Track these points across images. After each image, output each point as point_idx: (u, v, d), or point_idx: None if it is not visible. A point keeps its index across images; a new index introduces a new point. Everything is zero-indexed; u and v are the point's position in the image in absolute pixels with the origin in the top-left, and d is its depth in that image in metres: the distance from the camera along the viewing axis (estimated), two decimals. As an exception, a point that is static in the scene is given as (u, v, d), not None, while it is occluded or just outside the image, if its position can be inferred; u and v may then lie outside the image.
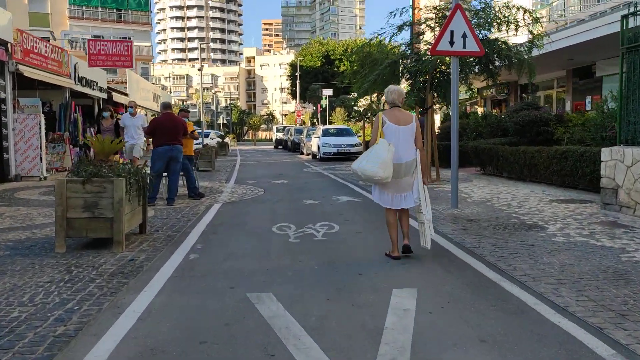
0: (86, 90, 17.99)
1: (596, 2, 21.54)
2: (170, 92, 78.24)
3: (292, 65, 66.36)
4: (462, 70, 12.09)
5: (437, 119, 27.49)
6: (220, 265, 4.79)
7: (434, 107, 13.17)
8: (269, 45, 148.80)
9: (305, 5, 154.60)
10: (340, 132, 23.60)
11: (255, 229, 6.67)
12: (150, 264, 4.81)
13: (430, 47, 11.59)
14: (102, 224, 5.26)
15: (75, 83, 16.74)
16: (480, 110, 24.92)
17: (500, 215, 7.37)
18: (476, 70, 11.86)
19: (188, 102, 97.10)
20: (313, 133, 25.86)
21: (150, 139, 8.94)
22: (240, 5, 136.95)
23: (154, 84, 52.93)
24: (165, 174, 9.02)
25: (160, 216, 7.68)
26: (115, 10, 50.20)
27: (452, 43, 7.70)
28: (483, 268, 4.65)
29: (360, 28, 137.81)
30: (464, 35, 7.69)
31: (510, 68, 11.72)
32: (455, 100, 8.05)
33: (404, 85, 12.55)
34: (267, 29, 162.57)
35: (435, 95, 12.34)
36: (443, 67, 12.14)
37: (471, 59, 11.66)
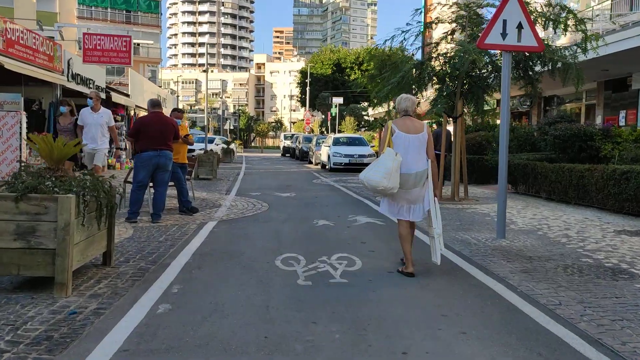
0: (81, 88, 16.65)
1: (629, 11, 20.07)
2: (178, 96, 77.25)
3: (303, 72, 65.22)
4: (496, 75, 10.64)
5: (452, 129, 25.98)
6: (196, 329, 3.30)
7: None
8: (279, 52, 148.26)
9: (317, 14, 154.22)
10: (352, 142, 22.15)
11: (253, 261, 5.19)
12: (97, 323, 3.34)
13: (459, 47, 10.16)
14: (40, 257, 3.80)
15: (69, 80, 15.41)
16: (498, 122, 23.43)
17: (564, 251, 5.85)
18: (515, 74, 10.36)
19: (197, 107, 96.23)
20: (323, 142, 24.44)
21: (134, 144, 7.50)
22: (252, 12, 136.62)
23: (160, 87, 51.89)
24: (151, 185, 7.59)
25: (139, 237, 6.23)
26: (124, 11, 49.33)
27: (504, 35, 6.24)
28: (585, 348, 3.13)
29: (371, 37, 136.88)
30: (520, 26, 6.23)
31: (553, 74, 10.23)
32: (506, 105, 6.56)
33: (430, 91, 11.07)
34: (278, 37, 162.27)
35: (467, 103, 10.86)
36: (476, 70, 10.67)
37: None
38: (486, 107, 11.15)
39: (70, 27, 17.25)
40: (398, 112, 4.96)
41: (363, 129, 59.09)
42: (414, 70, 10.50)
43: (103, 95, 18.92)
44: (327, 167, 21.67)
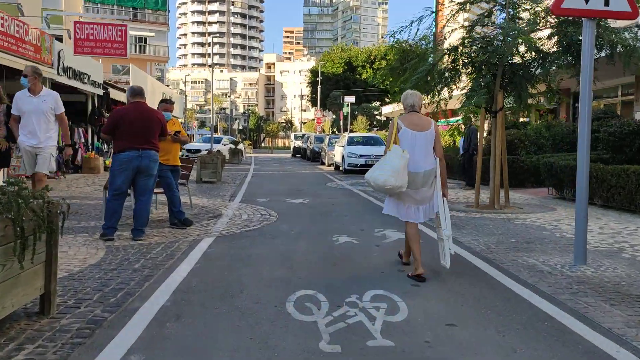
0: (74, 83, 15.33)
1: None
2: (187, 96, 76.23)
3: (313, 71, 63.90)
4: (542, 62, 9.08)
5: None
6: None
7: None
8: (289, 52, 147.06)
9: (328, 13, 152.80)
10: (367, 141, 20.64)
11: (256, 303, 3.72)
12: None
13: (503, 28, 8.62)
14: None
15: (59, 74, 14.09)
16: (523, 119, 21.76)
17: (679, 285, 4.31)
18: (565, 61, 8.79)
19: (206, 107, 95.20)
20: (336, 142, 22.94)
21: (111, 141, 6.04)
22: (262, 11, 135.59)
23: (168, 86, 50.80)
24: (131, 193, 6.16)
25: (109, 264, 4.79)
26: (131, 9, 48.27)
27: (586, -2, 4.73)
28: None
29: (382, 37, 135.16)
30: (608, -14, 4.70)
31: (612, 59, 8.65)
32: (587, 89, 5.03)
33: (465, 79, 9.53)
34: (288, 37, 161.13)
35: (508, 95, 9.32)
36: (517, 57, 9.14)
37: (558, 47, 8.65)
38: (530, 101, 9.57)
39: (59, 14, 15.92)
40: (404, 108, 4.73)
41: (375, 129, 57.58)
42: (447, 56, 8.97)
43: (99, 91, 17.61)
44: (341, 168, 20.20)
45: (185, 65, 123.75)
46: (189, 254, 5.32)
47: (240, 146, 29.49)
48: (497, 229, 7.06)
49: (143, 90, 6.01)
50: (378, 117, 61.65)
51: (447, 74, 9.20)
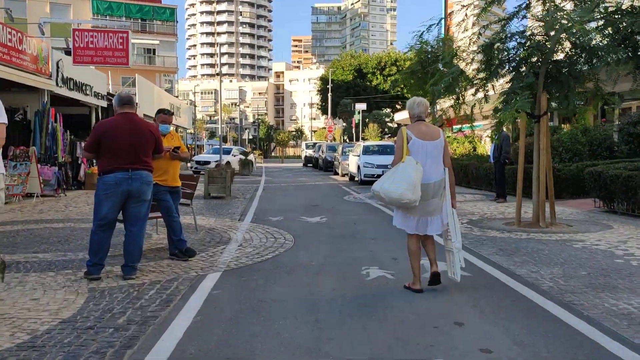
0: (75, 95, 14.50)
1: None
2: (196, 107, 75.85)
3: (323, 79, 63.09)
4: (590, 58, 7.97)
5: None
6: None
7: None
8: (298, 61, 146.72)
9: (336, 21, 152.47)
10: (384, 150, 19.56)
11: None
12: None
13: (549, 19, 7.56)
14: None
15: (58, 85, 13.25)
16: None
17: None
18: (618, 57, 7.67)
19: (216, 117, 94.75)
20: (350, 151, 21.92)
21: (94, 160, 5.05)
22: (270, 20, 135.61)
23: (177, 97, 50.25)
24: (121, 221, 5.16)
25: (84, 320, 3.77)
26: (140, 20, 47.92)
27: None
28: None
29: (391, 44, 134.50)
30: None
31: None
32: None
33: (505, 80, 8.45)
34: (296, 46, 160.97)
35: (552, 97, 8.23)
36: (559, 53, 8.06)
37: (611, 40, 7.54)
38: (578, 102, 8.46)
39: (57, 21, 15.10)
40: (410, 117, 4.59)
41: (387, 136, 56.45)
42: (485, 52, 7.91)
43: (103, 103, 16.78)
44: (356, 179, 19.16)
45: (195, 76, 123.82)
46: (188, 298, 4.30)
47: (251, 157, 28.57)
48: (557, 255, 5.95)
49: (132, 98, 5.02)
50: (389, 125, 60.61)
51: (484, 73, 8.13)
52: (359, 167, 18.27)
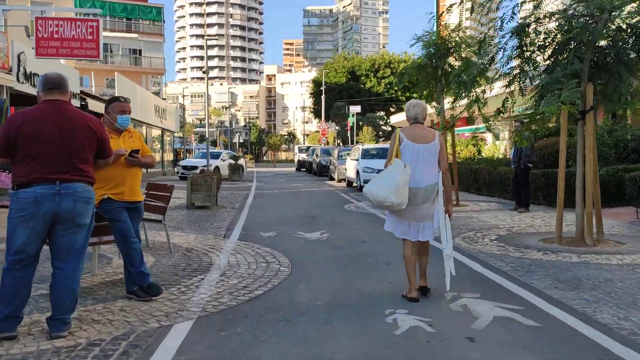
0: (43, 93, 12.96)
1: None
2: (184, 109, 74.22)
3: (315, 82, 61.79)
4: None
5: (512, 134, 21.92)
6: None
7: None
8: (289, 64, 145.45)
9: (327, 24, 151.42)
10: (384, 154, 18.14)
11: None
12: None
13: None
14: None
15: (20, 81, 11.73)
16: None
17: None
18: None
19: (206, 121, 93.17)
20: (347, 154, 20.52)
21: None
22: (261, 23, 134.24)
23: (164, 99, 48.69)
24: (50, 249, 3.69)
25: None
26: (125, 19, 46.37)
27: None
28: None
29: (383, 47, 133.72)
30: None
31: None
32: None
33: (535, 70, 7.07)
34: (288, 49, 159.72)
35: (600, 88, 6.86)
36: (607, 40, 6.72)
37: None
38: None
39: (17, 9, 13.56)
40: (407, 119, 4.48)
41: (381, 140, 55.15)
42: (518, 34, 6.52)
43: (76, 103, 15.25)
44: (355, 184, 17.76)
45: (184, 79, 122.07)
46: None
47: (241, 161, 27.06)
48: (633, 287, 4.56)
49: (63, 80, 3.55)
50: (384, 128, 59.33)
51: (522, 58, 6.74)
52: (358, 172, 16.85)
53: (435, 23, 11.51)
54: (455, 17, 10.44)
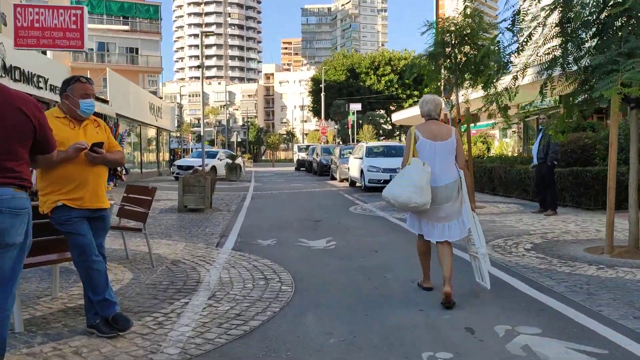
0: (23, 87, 11.98)
1: None
2: (182, 108, 73.15)
3: (314, 80, 60.83)
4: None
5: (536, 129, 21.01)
6: None
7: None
8: (288, 64, 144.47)
9: (326, 22, 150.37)
10: (390, 152, 17.22)
11: None
12: None
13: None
14: None
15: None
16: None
17: None
18: None
19: (205, 121, 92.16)
20: (350, 153, 19.57)
21: None
22: (259, 22, 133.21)
23: (161, 98, 47.72)
24: None
25: None
26: (122, 17, 45.41)
27: None
28: None
29: (382, 45, 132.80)
30: None
31: None
32: None
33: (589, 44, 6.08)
34: (286, 48, 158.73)
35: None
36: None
37: None
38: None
39: None
40: (422, 115, 4.34)
41: (382, 138, 54.16)
42: (564, 6, 5.54)
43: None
44: (358, 184, 16.82)
45: (182, 79, 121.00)
46: None
47: (239, 160, 26.06)
48: None
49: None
50: (384, 126, 58.33)
51: (555, 42, 5.77)
52: (362, 172, 15.90)
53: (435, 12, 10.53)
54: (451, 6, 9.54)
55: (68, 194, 3.41)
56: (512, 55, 5.82)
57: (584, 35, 5.90)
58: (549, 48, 5.91)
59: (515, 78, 6.24)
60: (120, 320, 3.41)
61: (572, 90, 6.14)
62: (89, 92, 3.57)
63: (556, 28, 5.85)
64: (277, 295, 4.33)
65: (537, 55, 5.97)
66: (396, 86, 58.32)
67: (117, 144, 3.80)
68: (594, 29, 5.94)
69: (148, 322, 3.64)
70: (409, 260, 5.51)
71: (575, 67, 5.61)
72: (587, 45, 5.90)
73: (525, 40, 5.66)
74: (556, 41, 5.85)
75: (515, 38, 5.73)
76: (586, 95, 5.93)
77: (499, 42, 6.05)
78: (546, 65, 5.67)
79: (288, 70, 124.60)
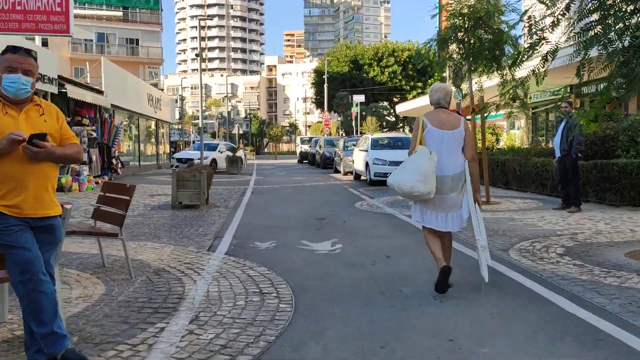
0: (7, 76, 11.23)
1: None
2: (184, 100, 72.44)
3: (317, 72, 59.91)
4: None
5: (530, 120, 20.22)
6: None
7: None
8: (290, 56, 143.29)
9: (329, 14, 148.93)
10: (396, 143, 16.47)
11: None
12: None
13: None
14: None
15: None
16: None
17: None
18: None
19: (206, 113, 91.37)
20: (354, 145, 18.81)
21: None
22: (262, 14, 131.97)
23: (162, 90, 47.00)
24: None
25: None
26: (122, 8, 44.63)
27: None
28: None
29: (385, 36, 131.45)
30: None
31: None
32: None
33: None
34: (289, 40, 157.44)
35: None
36: None
37: None
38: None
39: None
40: (431, 103, 4.26)
41: (385, 130, 53.28)
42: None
43: (54, 89, 13.55)
44: (363, 178, 16.10)
45: (185, 71, 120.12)
46: None
47: (240, 153, 25.32)
48: None
49: None
50: (388, 118, 57.40)
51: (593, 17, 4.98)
52: (367, 165, 15.15)
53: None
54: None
55: (2, 198, 2.69)
56: (547, 30, 5.03)
57: (625, 9, 5.11)
58: (587, 24, 5.12)
59: (544, 59, 5.45)
60: (72, 358, 2.69)
61: (608, 73, 5.38)
62: (16, 65, 2.78)
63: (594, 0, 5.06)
64: (273, 317, 3.60)
65: (571, 33, 5.18)
66: (400, 77, 57.37)
67: (72, 135, 3.05)
68: (638, 2, 5.16)
69: (109, 359, 2.92)
70: (426, 267, 4.78)
71: (619, 45, 4.82)
72: (631, 21, 5.11)
73: (562, 12, 4.88)
74: (594, 16, 5.07)
75: (549, 11, 4.95)
76: (624, 79, 5.17)
77: (530, 17, 5.26)
78: (584, 44, 4.87)
79: (291, 62, 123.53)
